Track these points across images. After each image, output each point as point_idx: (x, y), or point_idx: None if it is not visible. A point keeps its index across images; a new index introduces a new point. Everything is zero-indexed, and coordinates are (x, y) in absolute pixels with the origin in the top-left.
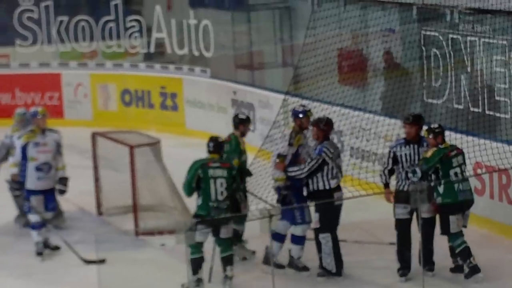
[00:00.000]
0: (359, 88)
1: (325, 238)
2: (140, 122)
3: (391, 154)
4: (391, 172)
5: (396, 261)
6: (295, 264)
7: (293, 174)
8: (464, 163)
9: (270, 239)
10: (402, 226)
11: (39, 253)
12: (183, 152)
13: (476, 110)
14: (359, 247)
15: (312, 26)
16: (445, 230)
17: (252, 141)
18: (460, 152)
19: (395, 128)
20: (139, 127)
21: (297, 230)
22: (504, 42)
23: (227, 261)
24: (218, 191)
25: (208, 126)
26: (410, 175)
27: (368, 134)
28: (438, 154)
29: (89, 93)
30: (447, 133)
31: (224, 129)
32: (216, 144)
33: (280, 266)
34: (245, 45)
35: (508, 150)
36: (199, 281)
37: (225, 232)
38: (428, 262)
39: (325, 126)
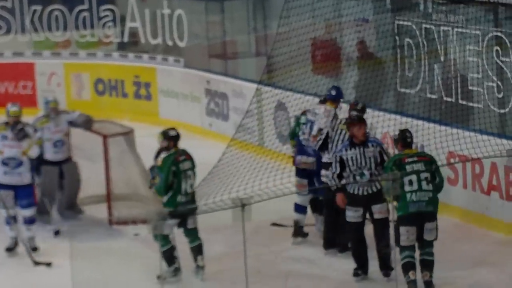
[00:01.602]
0: (332, 77)
1: None
2: (113, 111)
3: (338, 158)
4: (340, 176)
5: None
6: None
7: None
8: (426, 171)
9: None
10: (354, 229)
11: (8, 249)
12: (156, 141)
13: (449, 99)
14: None
15: (285, 16)
16: (396, 241)
17: (225, 130)
18: (422, 160)
19: (368, 117)
20: (113, 116)
21: (298, 199)
22: (477, 32)
23: (197, 251)
24: (188, 184)
25: (181, 116)
26: (358, 178)
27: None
28: (393, 159)
29: (63, 82)
30: (419, 122)
31: (197, 118)
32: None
33: (305, 235)
34: (218, 35)
35: (481, 139)
36: (177, 270)
37: (192, 222)
38: (384, 266)
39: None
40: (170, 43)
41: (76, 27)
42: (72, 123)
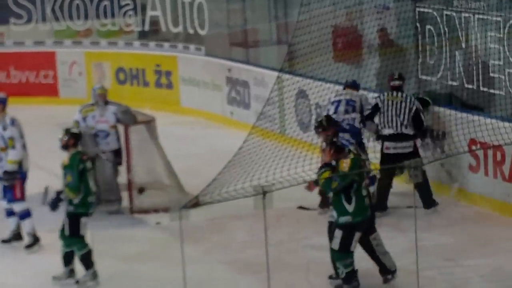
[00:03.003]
0: (353, 64)
1: None
2: (134, 100)
3: None
4: None
5: None
6: None
7: None
8: None
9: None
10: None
11: (3, 241)
12: (178, 130)
13: (470, 86)
14: None
15: (306, 3)
16: (344, 247)
17: (246, 118)
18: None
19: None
20: (134, 105)
21: None
22: (499, 18)
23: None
24: (92, 183)
25: (202, 104)
26: None
27: None
28: (355, 164)
29: (84, 71)
30: (441, 109)
31: (219, 107)
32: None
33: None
34: (239, 23)
35: (502, 126)
36: (72, 272)
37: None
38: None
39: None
40: (191, 31)
41: (97, 16)
42: (116, 117)
